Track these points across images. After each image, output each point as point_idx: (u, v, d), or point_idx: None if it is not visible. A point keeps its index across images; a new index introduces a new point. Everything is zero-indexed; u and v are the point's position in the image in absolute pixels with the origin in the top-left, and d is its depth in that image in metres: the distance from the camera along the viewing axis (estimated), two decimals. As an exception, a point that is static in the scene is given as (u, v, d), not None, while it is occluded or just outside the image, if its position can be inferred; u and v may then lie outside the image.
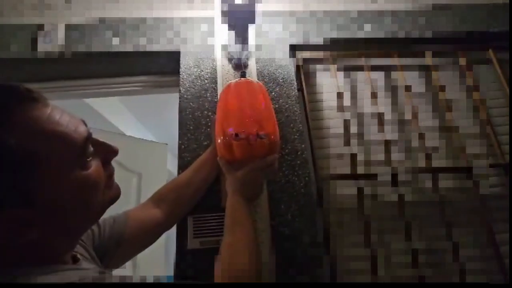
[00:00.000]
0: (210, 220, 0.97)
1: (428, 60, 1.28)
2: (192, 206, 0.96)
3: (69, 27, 1.21)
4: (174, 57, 1.20)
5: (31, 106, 0.41)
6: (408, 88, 1.24)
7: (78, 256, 0.52)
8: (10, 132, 0.37)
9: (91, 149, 0.47)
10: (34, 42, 1.17)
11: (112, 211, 1.71)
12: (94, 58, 1.21)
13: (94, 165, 0.46)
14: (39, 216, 0.40)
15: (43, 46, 1.17)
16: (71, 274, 0.41)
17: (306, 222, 0.98)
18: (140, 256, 1.75)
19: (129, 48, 1.20)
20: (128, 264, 1.70)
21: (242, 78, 0.89)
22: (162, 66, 1.27)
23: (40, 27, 1.18)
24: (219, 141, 0.82)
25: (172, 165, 2.51)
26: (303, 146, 1.08)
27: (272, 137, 0.80)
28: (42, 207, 0.40)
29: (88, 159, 0.45)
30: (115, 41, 1.20)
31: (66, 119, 0.44)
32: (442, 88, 1.25)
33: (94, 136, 0.49)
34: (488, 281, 1.02)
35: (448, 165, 1.17)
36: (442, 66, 1.31)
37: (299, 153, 1.07)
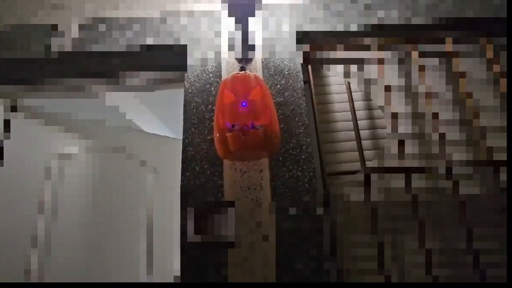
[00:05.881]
0: (211, 214, 0.97)
1: (449, 47, 1.19)
2: None
3: (80, 27, 1.25)
4: (180, 51, 1.21)
5: None
6: (426, 83, 1.16)
7: None
8: None
9: None
10: (48, 42, 1.23)
11: (130, 204, 1.73)
12: (104, 56, 1.25)
13: None
14: None
15: (57, 46, 1.22)
16: None
17: (311, 218, 0.95)
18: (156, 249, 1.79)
19: (137, 44, 1.22)
20: (143, 260, 1.75)
21: (240, 72, 0.88)
22: (168, 61, 1.27)
23: (54, 27, 1.23)
24: (216, 139, 0.83)
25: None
26: (308, 140, 1.04)
27: (269, 128, 0.78)
28: None
29: None
30: (123, 39, 1.22)
31: None
32: (463, 74, 1.16)
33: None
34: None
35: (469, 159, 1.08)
36: (464, 53, 1.21)
37: (304, 147, 1.03)
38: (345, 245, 1.00)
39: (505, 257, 0.94)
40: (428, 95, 1.16)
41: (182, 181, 1.02)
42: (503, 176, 1.04)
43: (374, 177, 1.05)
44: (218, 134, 0.82)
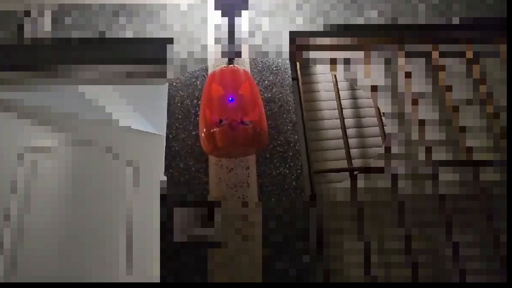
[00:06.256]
0: (196, 213, 0.93)
1: (435, 50, 1.22)
2: None
3: (56, 13, 1.17)
4: (164, 43, 1.16)
5: None
6: (410, 84, 1.18)
7: None
8: None
9: None
10: (20, 27, 1.14)
11: (108, 201, 1.64)
12: (82, 45, 1.17)
13: None
14: None
15: (30, 32, 1.14)
16: None
17: (297, 216, 0.94)
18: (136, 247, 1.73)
19: (118, 34, 1.16)
20: (122, 258, 1.68)
21: (228, 65, 0.85)
22: (152, 53, 1.22)
23: (27, 12, 1.14)
24: (202, 134, 0.80)
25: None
26: (296, 137, 1.03)
27: (258, 125, 0.76)
28: None
29: None
30: (103, 27, 1.16)
31: None
32: (447, 85, 1.19)
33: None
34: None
35: (448, 159, 1.11)
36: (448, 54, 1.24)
37: (291, 144, 1.02)
38: (332, 245, 1.00)
39: (486, 255, 0.97)
40: (414, 95, 1.18)
41: (165, 178, 0.98)
42: (483, 176, 1.08)
43: (360, 177, 1.05)
44: (204, 129, 0.78)
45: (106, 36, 1.16)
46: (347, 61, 1.22)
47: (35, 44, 1.15)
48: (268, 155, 1.00)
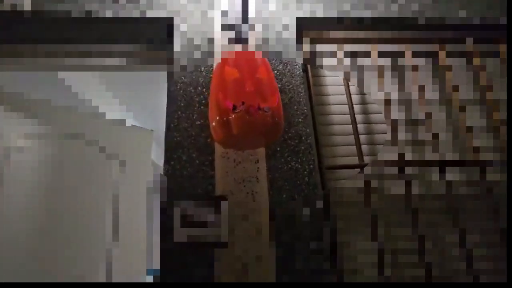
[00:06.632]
0: (200, 209, 0.85)
1: (441, 50, 1.21)
2: None
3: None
4: (165, 24, 1.06)
5: None
6: (420, 86, 1.16)
7: None
8: None
9: None
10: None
11: (93, 197, 1.51)
12: (70, 22, 1.05)
13: None
14: None
15: (9, 5, 1.00)
16: None
17: (310, 214, 0.88)
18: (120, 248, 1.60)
19: (112, 13, 1.05)
20: (101, 256, 1.55)
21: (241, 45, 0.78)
22: (151, 35, 1.12)
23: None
24: (213, 122, 0.72)
25: (156, 154, 2.34)
26: (308, 130, 0.97)
27: (276, 113, 0.69)
28: None
29: None
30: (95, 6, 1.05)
31: None
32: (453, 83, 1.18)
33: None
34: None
35: (455, 158, 1.10)
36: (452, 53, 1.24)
37: (303, 138, 0.96)
38: (345, 244, 0.95)
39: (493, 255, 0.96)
40: (421, 95, 1.16)
41: (165, 171, 0.89)
42: (489, 176, 1.07)
43: (374, 178, 1.01)
44: (218, 117, 0.70)
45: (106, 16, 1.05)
46: (355, 56, 1.18)
47: (15, 15, 1.02)
48: (278, 148, 0.93)
